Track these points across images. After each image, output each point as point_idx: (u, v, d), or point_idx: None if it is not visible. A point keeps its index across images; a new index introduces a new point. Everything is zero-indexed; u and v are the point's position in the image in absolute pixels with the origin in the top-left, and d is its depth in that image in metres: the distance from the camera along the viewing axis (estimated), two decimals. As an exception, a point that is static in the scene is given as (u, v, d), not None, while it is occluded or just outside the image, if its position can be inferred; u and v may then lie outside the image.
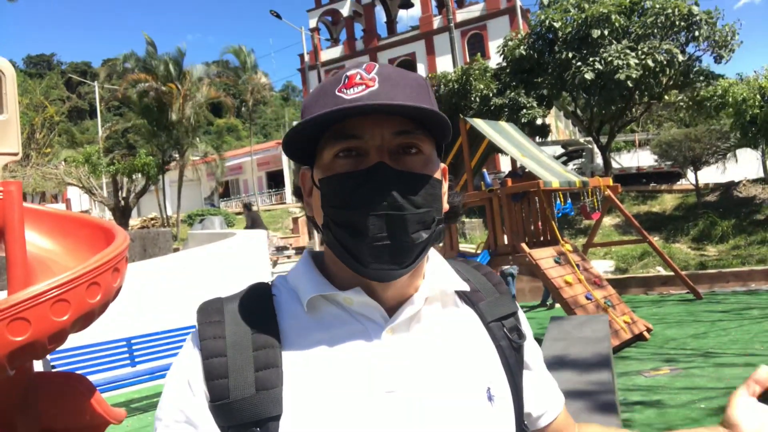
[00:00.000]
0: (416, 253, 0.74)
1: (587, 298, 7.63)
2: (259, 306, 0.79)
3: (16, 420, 1.70)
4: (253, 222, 16.23)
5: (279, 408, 0.70)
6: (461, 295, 0.88)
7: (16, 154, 2.93)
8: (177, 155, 24.04)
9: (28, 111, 28.60)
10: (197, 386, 0.73)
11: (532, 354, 0.92)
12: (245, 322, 0.76)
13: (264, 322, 0.77)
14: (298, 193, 0.87)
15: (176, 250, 15.05)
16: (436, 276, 0.84)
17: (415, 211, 0.73)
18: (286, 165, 31.65)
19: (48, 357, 6.18)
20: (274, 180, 35.39)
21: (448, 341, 0.80)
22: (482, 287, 0.91)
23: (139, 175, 20.58)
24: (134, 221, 24.91)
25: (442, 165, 0.82)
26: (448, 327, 0.82)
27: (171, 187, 28.94)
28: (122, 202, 20.67)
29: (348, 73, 0.74)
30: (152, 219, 25.56)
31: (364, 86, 0.72)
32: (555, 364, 2.83)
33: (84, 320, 1.44)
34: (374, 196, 0.71)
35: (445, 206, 0.82)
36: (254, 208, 20.29)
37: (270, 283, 0.86)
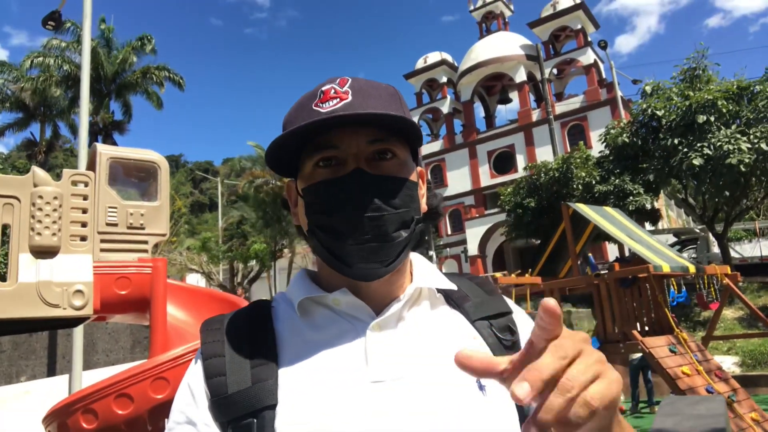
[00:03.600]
0: (398, 251, 0.79)
1: (708, 391, 7.05)
2: (256, 314, 0.86)
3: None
4: None
5: (274, 398, 0.74)
6: (447, 299, 0.90)
7: (164, 235, 3.42)
8: (287, 244, 25.53)
9: (160, 205, 31.58)
10: (197, 388, 0.79)
11: None
12: (243, 327, 0.83)
13: (260, 326, 0.83)
14: (285, 205, 0.93)
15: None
16: (422, 276, 0.87)
17: (394, 211, 0.78)
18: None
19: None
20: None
21: (435, 335, 0.82)
22: (471, 292, 0.92)
23: (253, 261, 21.96)
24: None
25: (419, 168, 0.88)
26: (436, 324, 0.84)
27: (280, 274, 30.39)
28: (237, 287, 22.01)
29: (323, 88, 0.80)
30: (261, 304, 26.84)
31: (338, 99, 0.77)
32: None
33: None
34: (354, 200, 0.76)
35: (424, 207, 0.88)
36: None
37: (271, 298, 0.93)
